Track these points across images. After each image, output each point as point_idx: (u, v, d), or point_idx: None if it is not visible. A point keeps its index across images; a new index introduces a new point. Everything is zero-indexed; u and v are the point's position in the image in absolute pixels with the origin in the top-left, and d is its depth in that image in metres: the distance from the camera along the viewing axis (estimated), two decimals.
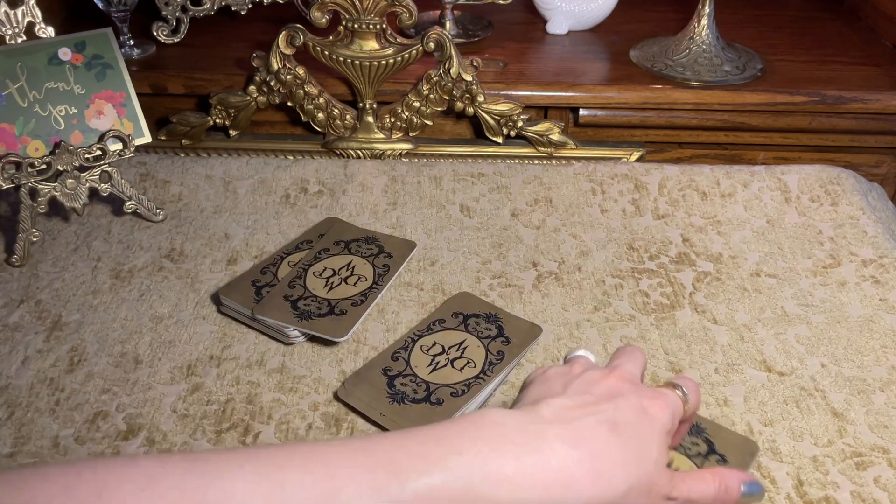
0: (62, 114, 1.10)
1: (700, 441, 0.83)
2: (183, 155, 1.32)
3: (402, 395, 0.89)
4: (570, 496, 0.54)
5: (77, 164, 1.10)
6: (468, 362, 0.93)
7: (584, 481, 0.55)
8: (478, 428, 0.56)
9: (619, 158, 1.32)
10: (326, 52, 1.23)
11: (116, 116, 1.13)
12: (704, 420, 0.86)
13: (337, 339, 0.96)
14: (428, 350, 0.95)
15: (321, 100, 1.27)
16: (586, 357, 0.71)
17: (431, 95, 1.26)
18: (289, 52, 1.23)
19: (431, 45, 1.22)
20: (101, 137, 1.11)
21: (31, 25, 1.09)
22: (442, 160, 1.31)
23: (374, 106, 1.29)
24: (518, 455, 0.54)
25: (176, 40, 1.39)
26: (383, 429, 0.86)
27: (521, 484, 0.53)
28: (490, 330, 0.98)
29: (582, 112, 1.31)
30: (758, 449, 0.84)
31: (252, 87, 1.27)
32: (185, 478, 0.49)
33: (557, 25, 1.48)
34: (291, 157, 1.31)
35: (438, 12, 1.45)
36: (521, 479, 0.53)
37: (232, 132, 1.32)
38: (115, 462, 0.50)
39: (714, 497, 0.62)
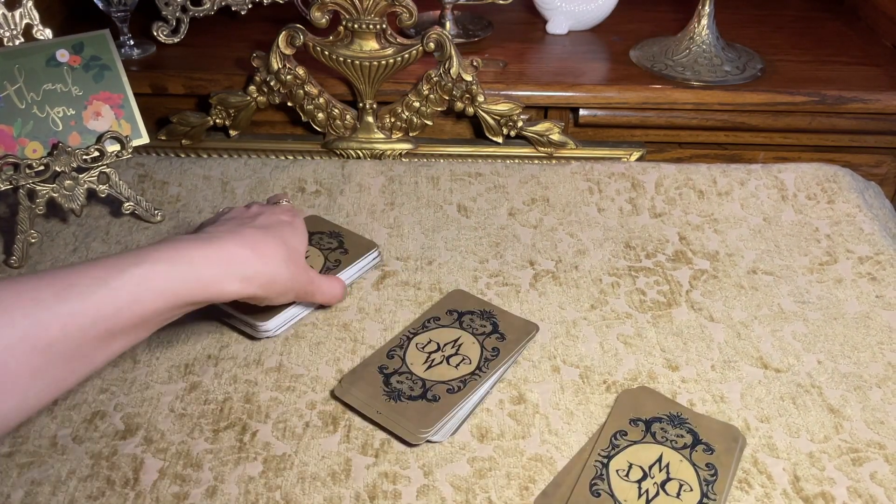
0: (60, 115, 1.10)
1: (684, 433, 0.84)
2: (181, 156, 1.32)
3: (399, 392, 0.89)
4: (244, 267, 0.80)
5: (75, 165, 1.10)
6: (463, 359, 0.94)
7: (251, 257, 0.81)
8: (168, 242, 0.77)
9: (619, 158, 1.32)
10: (326, 52, 1.23)
11: (114, 118, 1.13)
12: (685, 411, 0.88)
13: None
14: (423, 347, 0.96)
15: (321, 100, 1.28)
16: (231, 207, 1.02)
17: (431, 95, 1.27)
18: (289, 52, 1.23)
19: (431, 45, 1.22)
20: (99, 139, 1.11)
21: (28, 27, 1.09)
22: (441, 160, 1.31)
23: (374, 106, 1.29)
24: (202, 248, 0.77)
25: (176, 40, 1.40)
26: (381, 427, 0.86)
27: (208, 263, 0.76)
28: (485, 327, 0.98)
29: (582, 112, 1.31)
30: (740, 433, 0.85)
31: (252, 87, 1.27)
32: None
33: (557, 25, 1.48)
34: (291, 158, 1.31)
35: (438, 12, 1.46)
36: (206, 260, 0.76)
37: (232, 132, 1.32)
38: None
39: (332, 294, 0.98)
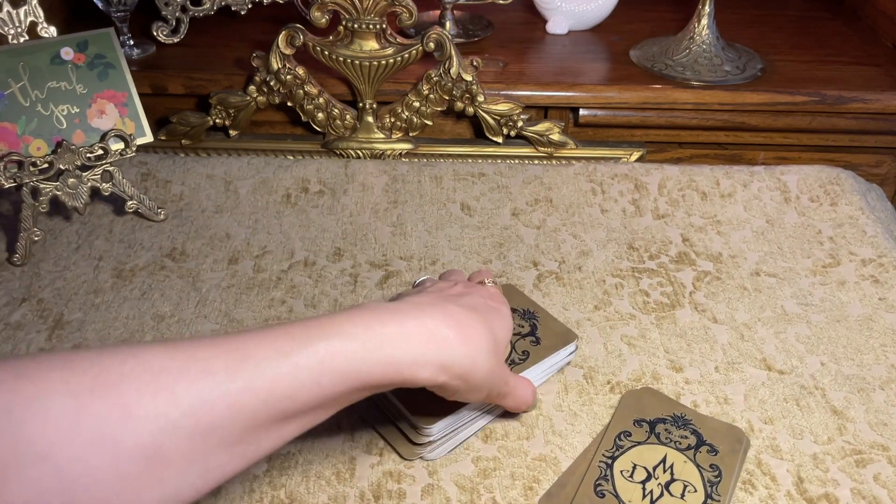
0: (64, 113, 1.10)
1: (688, 433, 0.84)
2: (184, 155, 1.32)
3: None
4: (444, 352, 0.68)
5: (79, 163, 1.10)
6: None
7: (455, 341, 0.68)
8: (363, 309, 0.67)
9: (620, 158, 1.32)
10: (326, 52, 1.23)
11: (118, 116, 1.13)
12: (689, 412, 0.87)
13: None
14: None
15: (321, 100, 1.27)
16: (430, 278, 0.93)
17: (431, 95, 1.27)
18: (289, 52, 1.23)
19: (431, 45, 1.22)
20: (103, 137, 1.11)
21: (33, 25, 1.09)
22: (442, 160, 1.31)
23: (374, 106, 1.29)
24: (400, 321, 0.67)
25: (176, 40, 1.39)
26: (381, 436, 0.86)
27: (404, 341, 0.66)
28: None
29: (582, 112, 1.31)
30: (744, 434, 0.85)
31: (252, 87, 1.27)
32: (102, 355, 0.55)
33: (557, 25, 1.48)
34: (291, 157, 1.31)
35: (438, 12, 1.46)
36: (403, 338, 0.66)
37: (232, 132, 1.32)
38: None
39: (522, 400, 0.83)
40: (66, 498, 0.50)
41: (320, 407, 0.62)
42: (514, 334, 0.92)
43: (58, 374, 0.52)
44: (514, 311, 0.93)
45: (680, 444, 0.83)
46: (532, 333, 0.92)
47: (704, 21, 1.35)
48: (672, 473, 0.80)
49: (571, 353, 0.94)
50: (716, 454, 0.82)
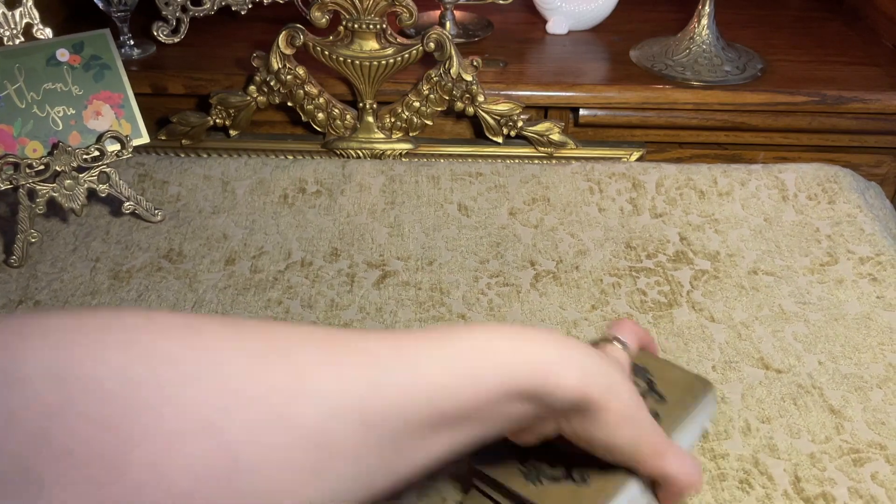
0: (60, 115, 1.10)
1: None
2: (181, 155, 1.32)
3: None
4: (584, 359, 0.57)
5: (75, 164, 1.10)
6: None
7: (586, 350, 0.58)
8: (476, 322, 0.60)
9: (620, 158, 1.32)
10: (326, 52, 1.23)
11: (114, 117, 1.13)
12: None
13: None
14: None
15: (321, 100, 1.27)
16: None
17: (431, 95, 1.26)
18: (289, 52, 1.23)
19: (431, 45, 1.22)
20: (100, 138, 1.11)
21: (28, 26, 1.09)
22: (441, 160, 1.31)
23: (374, 106, 1.29)
24: (534, 329, 0.57)
25: (176, 40, 1.39)
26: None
27: (547, 344, 0.56)
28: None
29: (582, 112, 1.31)
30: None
31: (252, 87, 1.27)
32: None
33: (557, 25, 1.48)
34: (291, 158, 1.31)
35: (438, 12, 1.45)
36: (545, 341, 0.56)
37: (232, 132, 1.32)
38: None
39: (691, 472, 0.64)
40: (234, 477, 0.43)
41: (474, 413, 0.53)
42: None
43: (231, 332, 0.47)
44: None
45: None
46: (652, 390, 0.74)
47: (704, 21, 1.35)
48: None
49: (712, 409, 0.78)
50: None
